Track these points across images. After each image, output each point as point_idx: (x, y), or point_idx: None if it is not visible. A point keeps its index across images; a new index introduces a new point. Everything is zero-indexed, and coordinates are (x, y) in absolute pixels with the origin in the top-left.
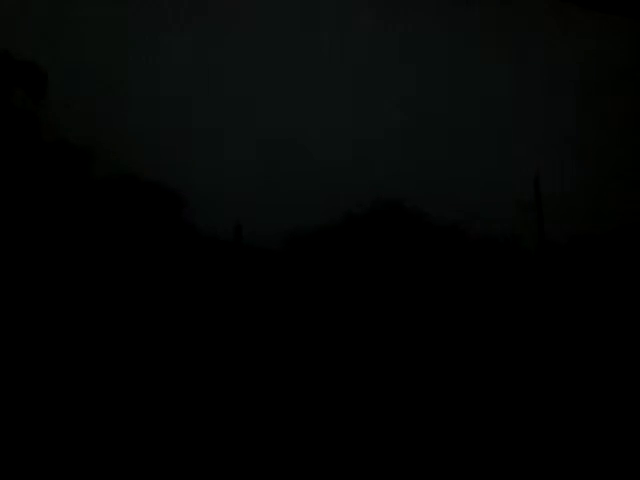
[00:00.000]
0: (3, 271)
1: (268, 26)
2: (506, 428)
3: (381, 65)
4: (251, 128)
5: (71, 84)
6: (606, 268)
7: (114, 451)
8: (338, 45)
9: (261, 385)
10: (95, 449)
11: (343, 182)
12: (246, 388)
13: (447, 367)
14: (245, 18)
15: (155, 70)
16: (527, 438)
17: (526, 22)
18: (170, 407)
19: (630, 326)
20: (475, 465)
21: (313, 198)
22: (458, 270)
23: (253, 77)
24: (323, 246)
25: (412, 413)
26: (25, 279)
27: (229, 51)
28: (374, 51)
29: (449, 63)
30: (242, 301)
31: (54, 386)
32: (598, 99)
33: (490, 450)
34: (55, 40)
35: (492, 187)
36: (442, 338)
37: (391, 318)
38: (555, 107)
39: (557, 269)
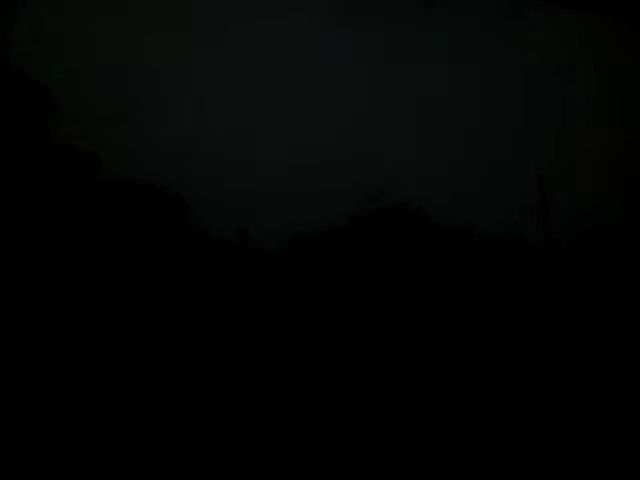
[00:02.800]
0: (7, 274)
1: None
2: (510, 430)
3: (384, 66)
4: (257, 132)
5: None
6: (615, 267)
7: (113, 452)
8: (346, 51)
9: (268, 388)
10: (95, 451)
11: (348, 184)
12: (253, 391)
13: (454, 369)
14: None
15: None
16: (530, 440)
17: (526, 23)
18: (175, 411)
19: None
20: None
21: (318, 201)
22: (463, 272)
23: (259, 80)
24: (327, 249)
25: (414, 414)
26: (29, 283)
27: (234, 56)
28: (375, 54)
29: (449, 64)
30: (248, 304)
31: (57, 393)
32: (604, 98)
33: (493, 455)
34: (60, 52)
35: (496, 188)
36: (448, 340)
37: (397, 320)
38: (557, 106)
39: (564, 270)
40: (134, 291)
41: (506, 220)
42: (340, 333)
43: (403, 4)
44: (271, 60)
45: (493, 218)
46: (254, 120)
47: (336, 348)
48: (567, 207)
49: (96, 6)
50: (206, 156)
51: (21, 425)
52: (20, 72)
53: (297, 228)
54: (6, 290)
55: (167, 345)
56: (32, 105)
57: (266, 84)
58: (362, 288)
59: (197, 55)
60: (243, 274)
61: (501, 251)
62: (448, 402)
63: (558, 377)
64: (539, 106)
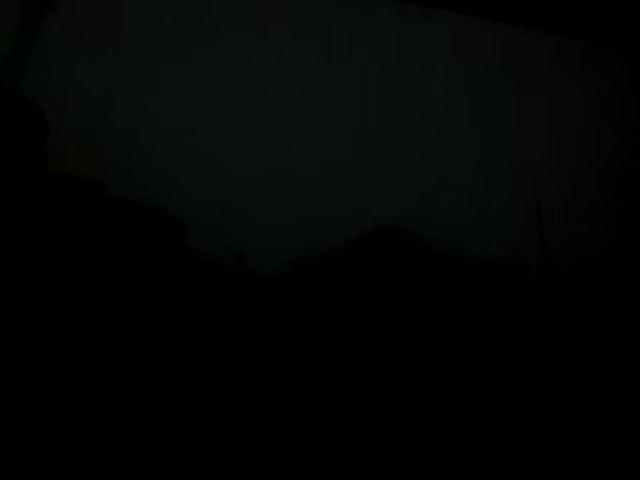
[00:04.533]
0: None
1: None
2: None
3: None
4: (252, 156)
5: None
6: (611, 292)
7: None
8: (344, 71)
9: (263, 413)
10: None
11: (343, 209)
12: (248, 417)
13: (449, 392)
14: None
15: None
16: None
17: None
18: (169, 432)
19: (635, 352)
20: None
21: (315, 225)
22: (459, 296)
23: (254, 103)
24: (322, 274)
25: (405, 440)
26: (23, 306)
27: (227, 73)
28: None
29: (450, 91)
30: (243, 328)
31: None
32: (599, 127)
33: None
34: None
35: (494, 213)
36: (444, 364)
37: (393, 344)
38: (556, 134)
39: (560, 294)
40: (125, 311)
41: (504, 244)
42: (336, 354)
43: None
44: (260, 78)
45: (490, 241)
46: (255, 147)
47: (333, 369)
48: (566, 231)
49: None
50: (201, 177)
51: (20, 425)
52: (12, 92)
53: (295, 253)
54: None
55: (161, 365)
56: (27, 127)
57: (266, 108)
58: (356, 313)
59: (187, 67)
60: (238, 297)
61: (498, 275)
62: (442, 421)
63: (555, 397)
64: (538, 134)
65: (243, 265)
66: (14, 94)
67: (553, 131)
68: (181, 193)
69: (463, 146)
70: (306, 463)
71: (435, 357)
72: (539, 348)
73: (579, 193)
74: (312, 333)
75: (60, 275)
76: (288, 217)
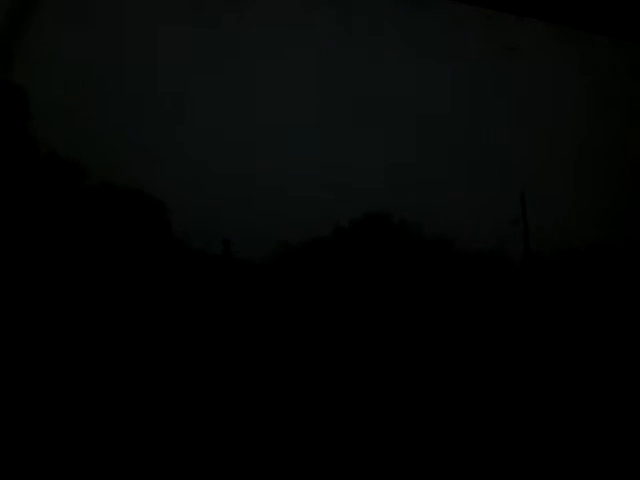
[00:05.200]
0: None
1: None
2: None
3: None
4: (241, 139)
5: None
6: (593, 282)
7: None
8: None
9: (248, 398)
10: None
11: (333, 196)
12: (233, 401)
13: (433, 378)
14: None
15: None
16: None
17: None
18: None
19: (615, 339)
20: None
21: (304, 212)
22: (444, 283)
23: (242, 89)
24: (311, 259)
25: (389, 424)
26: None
27: (218, 57)
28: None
29: (442, 81)
30: (230, 313)
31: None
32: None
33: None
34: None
35: (480, 202)
36: (427, 350)
37: (377, 330)
38: (543, 124)
39: (542, 283)
40: (110, 296)
41: (489, 233)
42: (322, 339)
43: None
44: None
45: (477, 230)
46: (243, 131)
47: (318, 353)
48: (550, 222)
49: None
50: (191, 164)
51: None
52: None
53: (283, 238)
54: None
55: (145, 351)
56: (7, 107)
57: (255, 94)
58: (343, 297)
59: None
60: (226, 282)
61: (483, 263)
62: (424, 406)
63: (535, 385)
64: (525, 124)
65: (230, 251)
66: None
67: (540, 122)
68: (168, 180)
69: (452, 137)
70: (285, 440)
71: (421, 341)
72: (522, 333)
73: (566, 184)
74: (297, 316)
75: (45, 256)
76: (276, 204)
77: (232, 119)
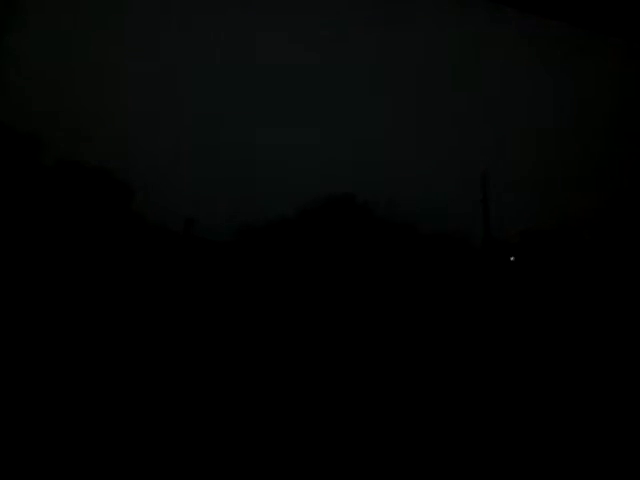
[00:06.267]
0: None
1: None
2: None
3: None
4: (206, 120)
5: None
6: (553, 264)
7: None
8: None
9: (208, 379)
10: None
11: (297, 177)
12: (194, 382)
13: (393, 362)
14: None
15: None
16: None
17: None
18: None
19: (574, 321)
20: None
21: (268, 191)
22: (407, 264)
23: (208, 69)
24: (273, 239)
25: (348, 413)
26: None
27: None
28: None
29: (419, 65)
30: (190, 292)
31: None
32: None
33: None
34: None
35: (444, 183)
36: (388, 332)
37: (339, 311)
38: (506, 103)
39: (503, 265)
40: (69, 274)
41: (451, 215)
42: (283, 320)
43: None
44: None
45: (439, 213)
46: (208, 112)
47: (278, 335)
48: (512, 205)
49: None
50: (158, 142)
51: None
52: None
53: (246, 218)
54: None
55: (103, 330)
56: None
57: (219, 74)
58: (305, 277)
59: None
60: (184, 260)
61: (446, 245)
62: (388, 391)
63: (497, 369)
64: (487, 106)
65: (191, 230)
66: None
67: (503, 105)
68: (131, 156)
69: (415, 118)
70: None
71: (383, 321)
72: (483, 314)
73: (525, 166)
74: (256, 294)
75: (7, 233)
76: (245, 183)
77: (196, 94)
